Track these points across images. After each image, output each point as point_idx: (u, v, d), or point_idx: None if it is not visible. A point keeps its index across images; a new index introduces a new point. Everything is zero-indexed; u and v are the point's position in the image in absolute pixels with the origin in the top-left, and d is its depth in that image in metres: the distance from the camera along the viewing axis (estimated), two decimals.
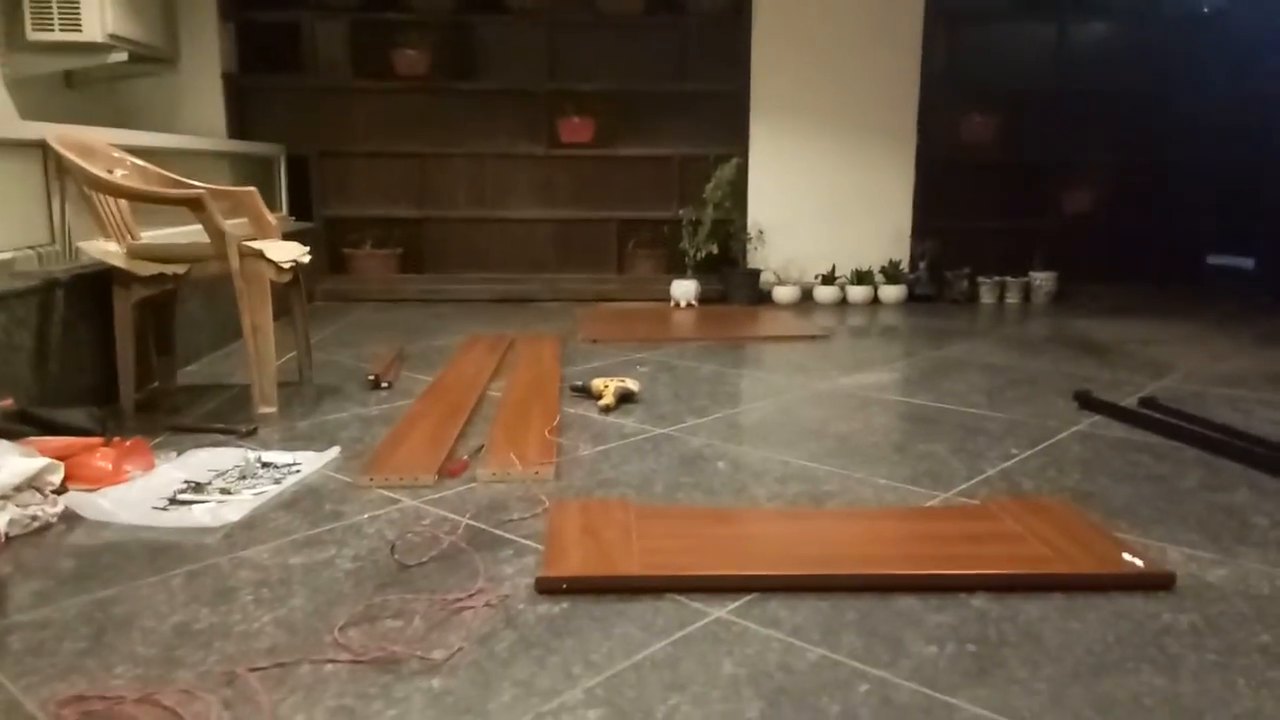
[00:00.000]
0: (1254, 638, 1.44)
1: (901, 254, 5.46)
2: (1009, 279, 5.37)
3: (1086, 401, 2.90)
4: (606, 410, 2.80)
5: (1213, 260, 5.92)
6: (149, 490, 2.04)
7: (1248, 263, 5.94)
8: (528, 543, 1.79)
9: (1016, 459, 2.36)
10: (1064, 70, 5.56)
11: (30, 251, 2.79)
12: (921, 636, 1.44)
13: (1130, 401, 2.92)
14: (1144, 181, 5.66)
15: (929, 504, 2.04)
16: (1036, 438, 2.55)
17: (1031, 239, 5.54)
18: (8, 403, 2.23)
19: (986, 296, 5.37)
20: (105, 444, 2.16)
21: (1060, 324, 4.61)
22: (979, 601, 1.55)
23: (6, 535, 1.77)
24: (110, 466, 2.10)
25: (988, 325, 4.59)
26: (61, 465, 1.99)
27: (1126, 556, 1.68)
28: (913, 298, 5.33)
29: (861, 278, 5.33)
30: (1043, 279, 5.37)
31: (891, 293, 5.31)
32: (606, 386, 2.87)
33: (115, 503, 1.93)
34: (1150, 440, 2.53)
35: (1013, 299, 5.37)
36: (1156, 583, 1.61)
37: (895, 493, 2.11)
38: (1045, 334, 4.32)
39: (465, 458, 2.29)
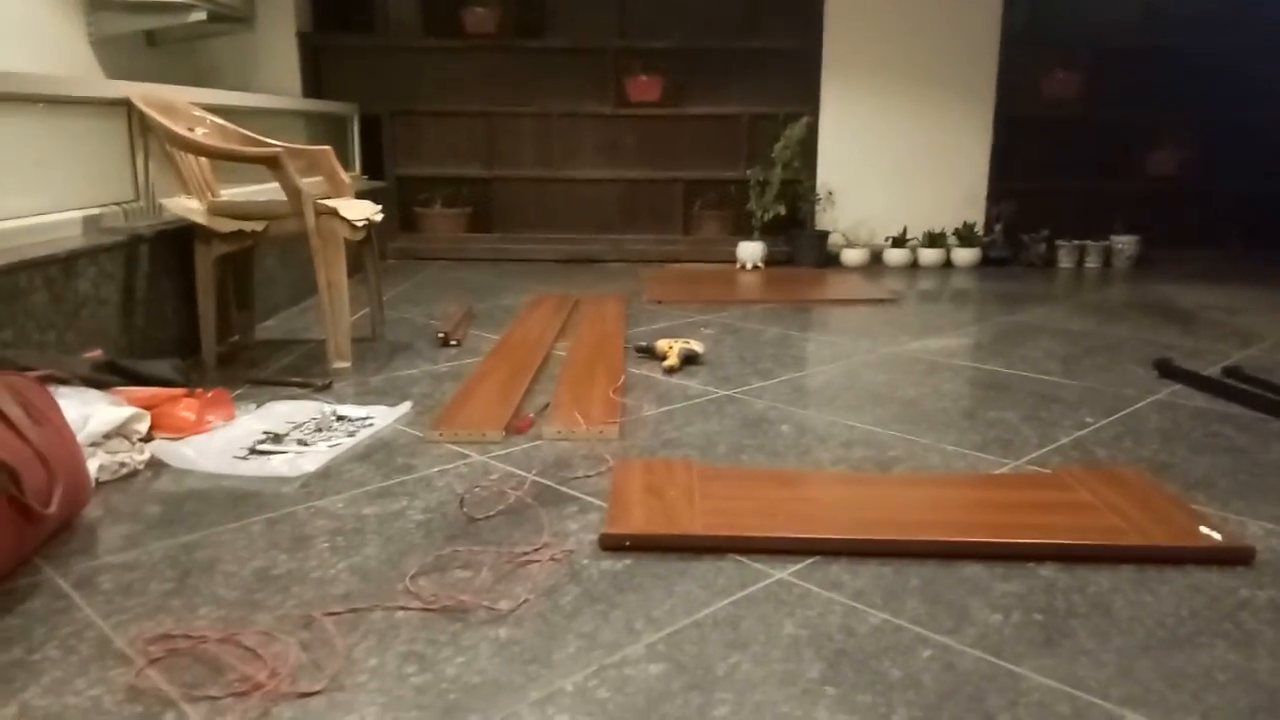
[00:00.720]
0: None
1: (976, 216, 5.32)
2: (1089, 243, 5.20)
3: (1167, 370, 2.81)
4: (670, 371, 2.80)
5: None
6: (230, 440, 2.11)
7: None
8: (592, 500, 1.81)
9: (1091, 428, 2.31)
10: (1153, 24, 5.32)
11: (116, 208, 2.88)
12: (987, 604, 1.42)
13: (1213, 371, 2.82)
14: (1232, 142, 5.41)
15: (998, 471, 2.01)
16: (1113, 406, 2.48)
17: (1113, 201, 5.35)
18: (97, 354, 2.32)
19: (1065, 261, 5.21)
20: (189, 395, 2.24)
21: (1142, 290, 4.46)
22: (1047, 571, 1.53)
23: (97, 480, 1.85)
24: (193, 416, 2.17)
25: (1065, 290, 4.47)
26: (148, 414, 2.07)
27: (1204, 530, 1.64)
28: (987, 261, 5.20)
29: (934, 240, 5.22)
30: (1124, 243, 5.19)
31: (965, 256, 5.18)
32: (671, 347, 2.88)
33: (198, 451, 2.01)
34: (1233, 411, 2.45)
35: (1092, 263, 5.20)
36: (1234, 557, 1.57)
37: (964, 459, 2.08)
38: (1125, 300, 4.19)
39: (531, 415, 2.32)
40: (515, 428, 2.24)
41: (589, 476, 1.94)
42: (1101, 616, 1.39)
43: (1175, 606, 1.42)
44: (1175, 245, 5.36)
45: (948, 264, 5.21)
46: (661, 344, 2.92)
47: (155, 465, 1.99)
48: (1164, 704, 1.18)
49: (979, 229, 5.28)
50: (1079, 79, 5.29)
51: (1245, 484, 1.93)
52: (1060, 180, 5.41)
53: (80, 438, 1.78)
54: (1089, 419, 2.38)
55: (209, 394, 2.28)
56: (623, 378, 2.67)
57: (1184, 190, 5.43)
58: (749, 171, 5.21)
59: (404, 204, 5.46)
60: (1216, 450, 2.14)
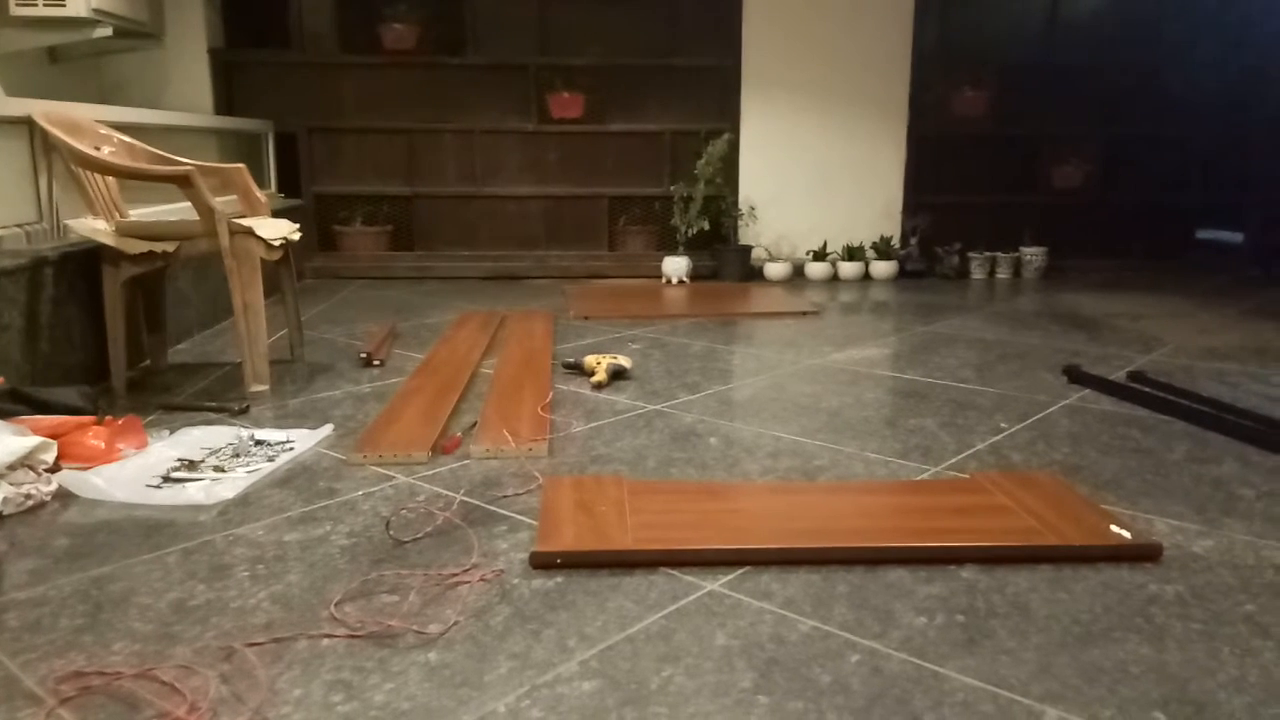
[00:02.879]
0: (1239, 607, 1.46)
1: (892, 229, 5.47)
2: (1000, 254, 5.39)
3: (1075, 376, 2.92)
4: (599, 387, 2.80)
5: (1202, 234, 5.94)
6: (142, 468, 2.04)
7: (1236, 237, 5.96)
8: (522, 518, 1.80)
9: (1006, 433, 2.38)
10: (1056, 43, 5.55)
11: (18, 230, 2.77)
12: (911, 608, 1.46)
13: (1119, 375, 2.94)
14: (1134, 155, 5.67)
15: (919, 478, 2.06)
16: (1026, 412, 2.57)
17: (1022, 214, 5.55)
18: None
19: (977, 272, 5.38)
20: (98, 422, 2.16)
21: (1050, 299, 4.63)
22: (968, 573, 1.57)
23: (1, 514, 1.77)
24: (103, 445, 2.10)
25: (978, 300, 4.61)
26: (54, 444, 1.99)
27: (1114, 528, 1.70)
28: (904, 273, 5.34)
29: (852, 253, 5.34)
30: (1033, 254, 5.39)
31: (882, 268, 5.31)
32: (599, 363, 2.88)
33: (109, 481, 1.94)
34: (1138, 414, 2.56)
35: (1003, 274, 5.38)
36: (1143, 554, 1.64)
37: (886, 467, 2.13)
38: (1035, 309, 4.34)
39: (458, 434, 2.30)
40: (442, 448, 2.21)
41: (518, 495, 1.93)
42: (1020, 616, 1.43)
43: (1090, 603, 1.47)
44: (1081, 255, 5.58)
45: (866, 276, 5.33)
46: (589, 360, 2.92)
47: (63, 496, 1.91)
48: (1081, 698, 1.22)
49: (895, 242, 5.42)
50: (987, 96, 5.48)
51: (1151, 483, 2.02)
52: (972, 194, 5.59)
53: None
54: (1003, 424, 2.45)
55: (119, 421, 2.19)
56: (551, 394, 2.67)
57: (1089, 202, 5.66)
58: (672, 187, 5.26)
59: (322, 222, 5.36)
60: (1124, 452, 2.23)
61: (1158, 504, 1.89)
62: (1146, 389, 2.75)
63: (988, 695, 1.22)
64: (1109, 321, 3.96)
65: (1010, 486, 1.92)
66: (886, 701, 1.21)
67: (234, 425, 2.39)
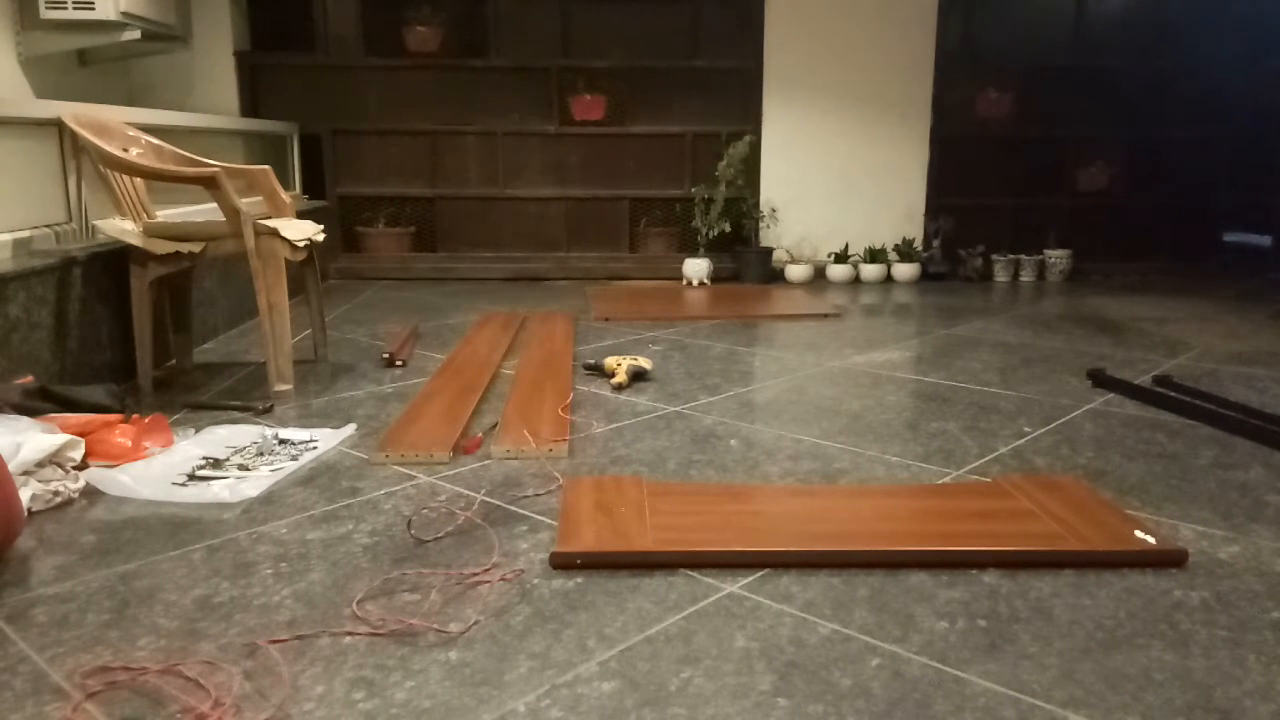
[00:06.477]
0: (1265, 614, 1.44)
1: (915, 232, 5.44)
2: (1023, 257, 5.35)
3: (1100, 380, 2.89)
4: (619, 388, 2.81)
5: (1230, 238, 5.87)
6: (168, 466, 2.06)
7: (1265, 240, 5.89)
8: (542, 519, 1.81)
9: (1029, 437, 2.36)
10: (1081, 45, 5.50)
11: (48, 230, 2.81)
12: (933, 612, 1.45)
13: (1144, 380, 2.91)
14: (1161, 158, 5.61)
15: (941, 481, 2.05)
16: (1049, 416, 2.55)
17: (1046, 216, 5.51)
18: (28, 380, 2.26)
19: (1000, 274, 5.35)
20: (124, 421, 2.19)
21: (1075, 302, 4.59)
22: (990, 578, 1.56)
23: (29, 510, 1.80)
24: (130, 443, 2.12)
25: (1001, 303, 4.58)
26: (82, 441, 2.02)
27: (1138, 534, 1.69)
28: (926, 276, 5.32)
29: (874, 256, 5.32)
30: (1057, 257, 5.34)
31: (905, 271, 5.29)
32: (619, 364, 2.88)
33: (135, 479, 1.96)
34: (1164, 418, 2.53)
35: (1027, 277, 5.34)
36: (1168, 559, 1.62)
37: (907, 470, 2.12)
38: (1059, 312, 4.30)
39: (480, 435, 2.31)
40: (463, 448, 2.22)
41: (539, 495, 1.94)
42: (1043, 621, 1.42)
43: (1113, 609, 1.46)
44: (1106, 258, 5.53)
45: (888, 279, 5.31)
46: (610, 361, 2.93)
47: (91, 494, 1.94)
48: (1104, 705, 1.21)
49: (918, 244, 5.39)
50: (1011, 97, 5.44)
51: (1177, 488, 1.99)
52: (995, 196, 5.56)
53: (12, 466, 1.72)
54: (1027, 429, 2.43)
55: (146, 419, 2.22)
56: (571, 395, 2.67)
57: (1114, 204, 5.61)
58: (694, 189, 5.26)
59: (346, 223, 5.40)
60: (1149, 456, 2.21)
61: (1183, 509, 1.87)
62: (1172, 393, 2.72)
63: (1009, 700, 1.21)
64: (1134, 325, 3.92)
65: (1033, 491, 1.90)
66: (907, 706, 1.20)
67: (258, 424, 2.41)
